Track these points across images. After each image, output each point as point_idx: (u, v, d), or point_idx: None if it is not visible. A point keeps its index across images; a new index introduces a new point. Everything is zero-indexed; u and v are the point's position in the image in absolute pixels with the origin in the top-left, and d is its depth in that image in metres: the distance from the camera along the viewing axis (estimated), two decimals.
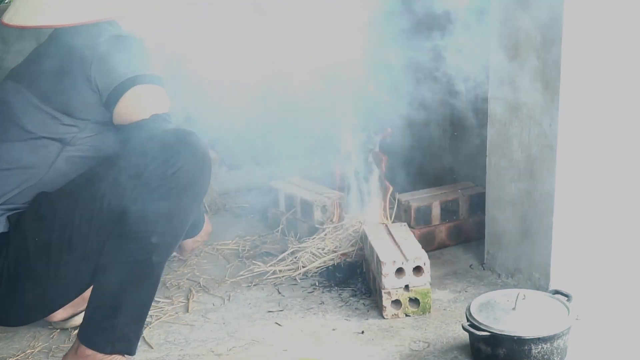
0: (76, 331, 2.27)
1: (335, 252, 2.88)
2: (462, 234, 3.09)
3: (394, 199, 3.07)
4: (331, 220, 3.04)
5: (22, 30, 3.44)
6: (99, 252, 2.08)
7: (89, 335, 2.10)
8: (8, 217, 2.13)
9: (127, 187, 2.04)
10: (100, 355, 2.08)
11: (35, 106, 2.16)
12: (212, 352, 2.39)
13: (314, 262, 2.86)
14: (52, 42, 2.26)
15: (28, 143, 2.15)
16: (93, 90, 2.13)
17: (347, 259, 2.85)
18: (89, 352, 2.09)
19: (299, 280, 2.82)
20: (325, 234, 2.95)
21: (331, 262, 2.85)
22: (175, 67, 2.47)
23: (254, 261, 2.97)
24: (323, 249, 2.89)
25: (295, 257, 2.90)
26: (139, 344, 2.38)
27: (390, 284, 2.53)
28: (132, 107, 2.13)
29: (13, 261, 2.11)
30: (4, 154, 2.16)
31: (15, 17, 2.18)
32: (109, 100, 2.13)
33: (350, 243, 2.89)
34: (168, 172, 2.03)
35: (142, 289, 2.10)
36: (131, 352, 2.13)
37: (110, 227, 2.05)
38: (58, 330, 2.52)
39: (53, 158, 2.17)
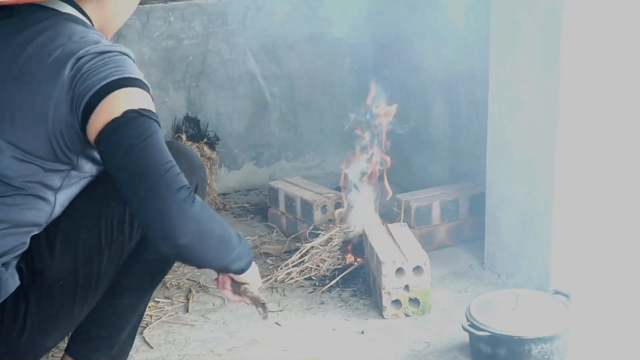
0: None
1: (334, 252, 2.87)
2: (462, 234, 3.09)
3: (394, 199, 3.07)
4: (330, 220, 3.04)
5: None
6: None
7: (85, 351, 2.00)
8: (17, 269, 1.76)
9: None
10: None
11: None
12: (212, 352, 2.39)
13: (313, 262, 2.86)
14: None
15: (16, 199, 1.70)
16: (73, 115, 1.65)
17: (347, 259, 2.85)
18: None
19: (298, 280, 2.82)
20: (325, 234, 2.94)
21: (331, 263, 2.85)
22: None
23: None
24: (323, 250, 2.89)
25: (299, 260, 2.89)
26: (139, 344, 2.39)
27: (390, 284, 2.52)
28: (110, 109, 1.62)
29: (36, 309, 1.78)
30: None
31: None
32: (88, 108, 1.62)
33: (350, 243, 2.89)
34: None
35: (145, 302, 2.05)
36: None
37: (133, 243, 1.88)
38: None
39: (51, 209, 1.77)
